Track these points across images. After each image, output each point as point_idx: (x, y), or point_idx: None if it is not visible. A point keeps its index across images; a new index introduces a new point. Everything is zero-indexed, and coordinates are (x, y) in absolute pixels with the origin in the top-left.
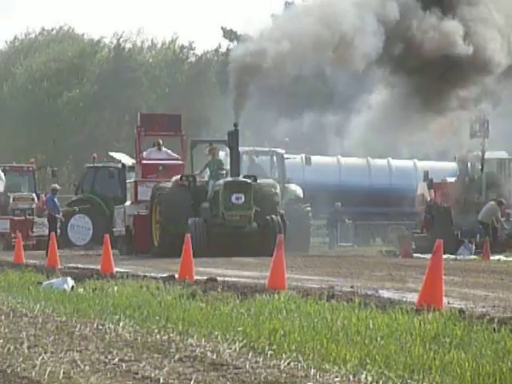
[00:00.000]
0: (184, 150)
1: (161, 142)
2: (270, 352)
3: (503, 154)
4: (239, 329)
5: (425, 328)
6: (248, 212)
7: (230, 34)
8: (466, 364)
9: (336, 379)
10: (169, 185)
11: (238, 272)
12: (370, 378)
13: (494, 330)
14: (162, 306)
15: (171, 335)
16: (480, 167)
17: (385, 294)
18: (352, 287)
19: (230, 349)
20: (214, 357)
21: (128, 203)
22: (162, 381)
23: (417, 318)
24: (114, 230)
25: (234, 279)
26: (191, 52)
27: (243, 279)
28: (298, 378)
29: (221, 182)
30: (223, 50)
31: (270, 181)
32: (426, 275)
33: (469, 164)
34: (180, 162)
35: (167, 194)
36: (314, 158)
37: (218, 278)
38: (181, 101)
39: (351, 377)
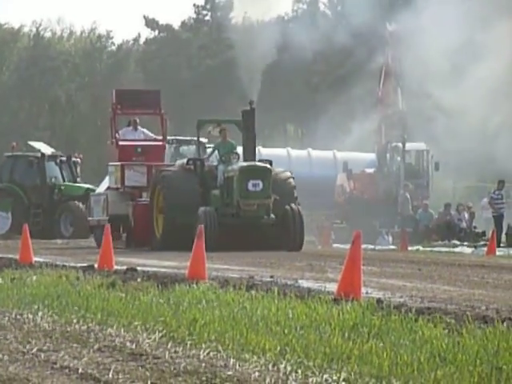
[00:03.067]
0: (164, 129)
1: (137, 120)
2: (189, 342)
3: (422, 146)
4: (159, 319)
5: (343, 318)
6: (267, 201)
7: (152, 23)
8: (384, 353)
9: (255, 369)
10: (173, 169)
11: (158, 262)
12: (289, 368)
13: (412, 319)
14: (81, 295)
15: (90, 325)
16: (399, 158)
17: (304, 283)
18: (272, 277)
19: (150, 339)
20: (134, 347)
21: (103, 189)
22: (80, 370)
23: (336, 308)
24: (90, 219)
25: (154, 269)
26: (110, 41)
27: (163, 269)
28: (217, 367)
29: (235, 166)
30: (143, 39)
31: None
32: (345, 265)
33: (387, 155)
34: (160, 143)
35: (172, 179)
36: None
37: (138, 268)
38: (101, 90)
39: (270, 366)
